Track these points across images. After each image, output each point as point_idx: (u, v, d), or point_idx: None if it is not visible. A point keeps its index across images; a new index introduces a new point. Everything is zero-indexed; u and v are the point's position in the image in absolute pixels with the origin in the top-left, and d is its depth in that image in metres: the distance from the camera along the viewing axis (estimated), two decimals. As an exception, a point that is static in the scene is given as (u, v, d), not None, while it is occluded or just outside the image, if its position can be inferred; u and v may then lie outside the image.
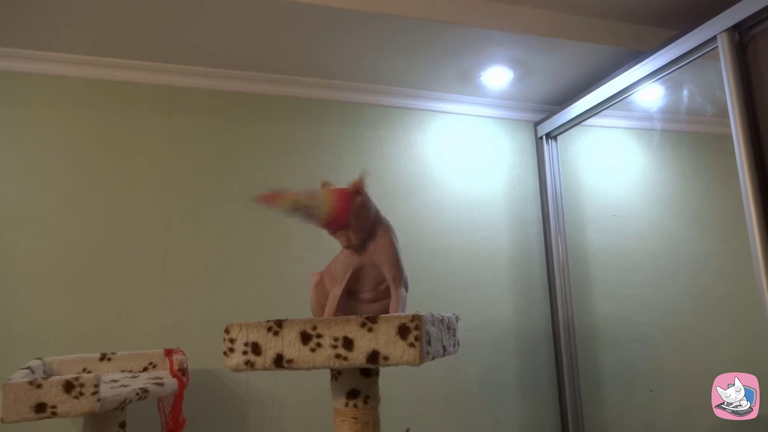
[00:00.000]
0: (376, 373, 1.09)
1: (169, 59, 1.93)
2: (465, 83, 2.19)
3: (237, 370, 1.00)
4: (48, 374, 1.50)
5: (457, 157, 2.30)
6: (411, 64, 2.03)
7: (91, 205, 1.84)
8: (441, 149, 2.28)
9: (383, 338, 0.92)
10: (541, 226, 2.35)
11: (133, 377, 1.51)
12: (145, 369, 1.60)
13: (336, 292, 1.10)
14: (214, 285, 1.90)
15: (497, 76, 2.14)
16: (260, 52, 1.92)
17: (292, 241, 2.01)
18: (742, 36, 1.57)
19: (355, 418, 1.04)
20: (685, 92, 2.32)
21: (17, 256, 1.74)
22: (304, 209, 1.09)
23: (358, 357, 0.93)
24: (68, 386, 1.17)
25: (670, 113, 2.56)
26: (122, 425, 1.38)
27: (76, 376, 1.19)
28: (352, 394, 1.05)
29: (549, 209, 2.31)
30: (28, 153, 1.81)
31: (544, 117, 2.36)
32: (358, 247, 1.12)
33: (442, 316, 1.09)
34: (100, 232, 1.83)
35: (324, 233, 1.96)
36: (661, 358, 2.35)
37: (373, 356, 0.92)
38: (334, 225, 1.10)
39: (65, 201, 1.82)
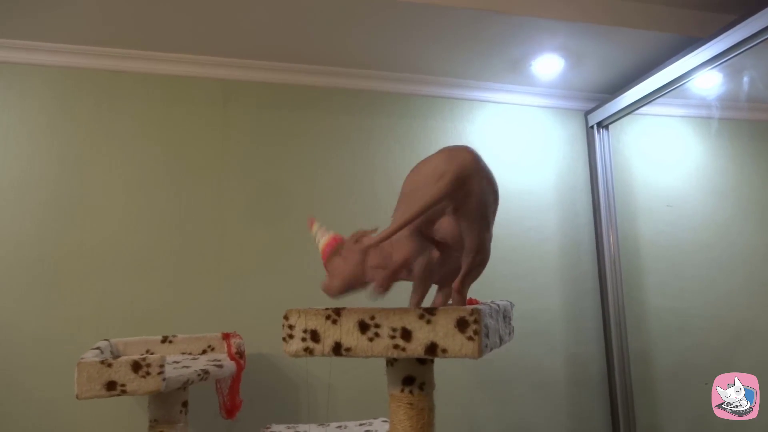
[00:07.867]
0: (432, 360, 1.11)
1: (224, 53, 1.98)
2: (515, 72, 2.17)
3: (296, 356, 1.02)
4: (115, 354, 1.58)
5: (506, 147, 2.29)
6: (461, 54, 2.03)
7: (151, 194, 1.91)
8: (489, 139, 2.27)
9: (441, 331, 0.93)
10: (592, 216, 2.32)
11: (194, 359, 1.57)
12: (204, 352, 1.67)
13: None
14: (268, 272, 1.95)
15: (548, 65, 2.11)
16: (311, 45, 1.94)
17: (343, 230, 2.04)
18: (810, 20, 1.51)
19: (410, 404, 1.06)
20: (746, 79, 2.24)
21: (84, 243, 1.83)
22: None
23: (416, 348, 0.94)
24: (136, 366, 1.24)
25: (728, 101, 2.47)
26: (184, 404, 1.45)
27: (143, 356, 1.25)
28: (408, 381, 1.07)
29: (600, 199, 2.27)
30: (91, 146, 1.89)
31: (595, 106, 2.31)
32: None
33: (498, 305, 1.09)
34: (160, 220, 1.90)
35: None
36: (716, 353, 2.30)
37: (432, 348, 0.93)
38: None
39: (127, 190, 1.89)
